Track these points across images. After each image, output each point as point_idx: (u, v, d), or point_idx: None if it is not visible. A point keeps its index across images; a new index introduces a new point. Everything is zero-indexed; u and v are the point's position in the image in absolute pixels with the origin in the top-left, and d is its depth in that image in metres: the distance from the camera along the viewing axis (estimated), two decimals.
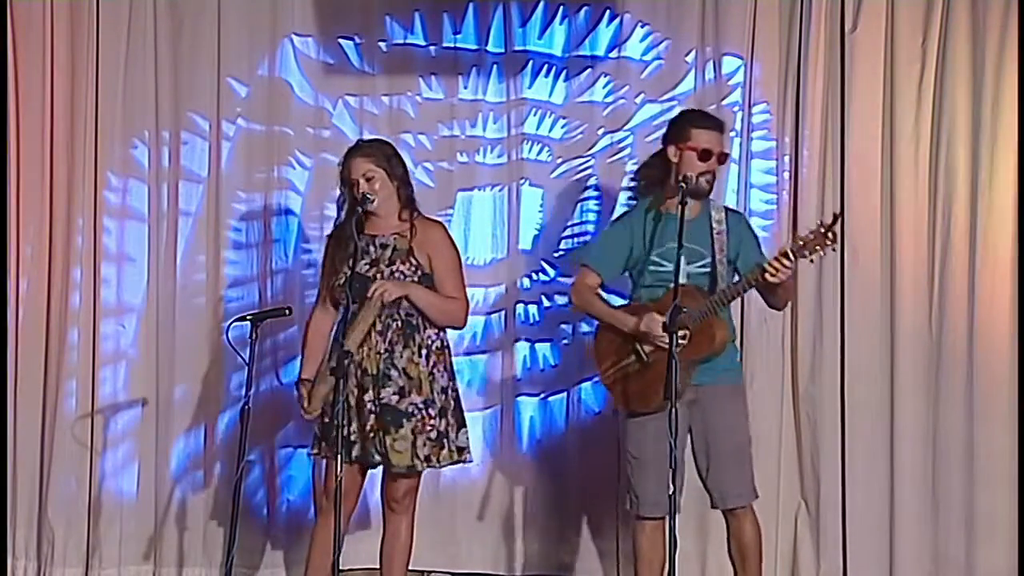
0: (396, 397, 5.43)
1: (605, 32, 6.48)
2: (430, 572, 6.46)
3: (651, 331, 5.33)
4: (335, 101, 6.55)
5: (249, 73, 6.53)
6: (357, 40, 6.52)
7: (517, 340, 6.57)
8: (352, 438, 5.39)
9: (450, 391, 5.53)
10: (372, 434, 5.41)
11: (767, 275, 5.22)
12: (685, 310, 5.18)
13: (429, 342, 5.50)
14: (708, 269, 5.45)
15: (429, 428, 5.44)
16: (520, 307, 6.58)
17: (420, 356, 5.46)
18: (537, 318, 6.58)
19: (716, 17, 6.42)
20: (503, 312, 6.59)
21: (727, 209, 5.59)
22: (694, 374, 5.40)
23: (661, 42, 6.49)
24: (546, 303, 6.58)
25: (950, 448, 6.36)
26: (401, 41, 6.53)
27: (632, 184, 5.33)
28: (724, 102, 6.43)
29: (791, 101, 6.38)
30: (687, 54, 6.47)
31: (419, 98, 6.55)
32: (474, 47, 6.52)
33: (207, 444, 6.51)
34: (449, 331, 5.63)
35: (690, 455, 5.51)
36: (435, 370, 5.49)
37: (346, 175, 5.49)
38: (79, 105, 6.45)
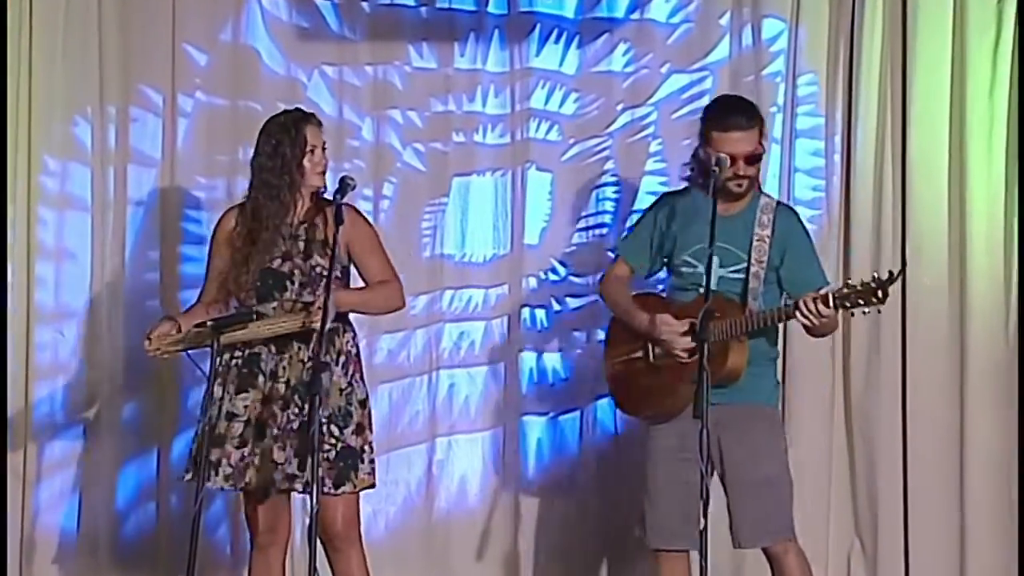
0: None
1: None
2: None
3: (670, 341, 5.16)
4: (310, 71, 6.36)
5: (209, 38, 6.31)
6: (336, 0, 6.35)
7: (522, 350, 6.42)
8: (245, 461, 5.18)
9: (367, 405, 5.32)
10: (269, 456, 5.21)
11: (799, 315, 5.04)
12: (717, 316, 5.05)
13: (348, 347, 5.30)
14: (743, 275, 5.27)
15: (338, 446, 5.19)
16: (526, 311, 6.42)
17: (338, 365, 5.27)
18: (545, 324, 6.42)
19: None
20: (506, 317, 6.43)
21: (780, 205, 5.37)
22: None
23: (691, 2, 6.39)
24: (556, 307, 6.43)
25: None
26: (387, 1, 6.37)
27: (688, 174, 5.28)
28: (764, 72, 6.34)
29: (843, 71, 6.29)
30: (721, 16, 6.37)
31: (408, 68, 6.39)
32: (472, 8, 6.39)
33: (160, 472, 6.26)
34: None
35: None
36: (353, 380, 5.30)
37: (301, 139, 5.25)
38: (11, 77, 6.14)
